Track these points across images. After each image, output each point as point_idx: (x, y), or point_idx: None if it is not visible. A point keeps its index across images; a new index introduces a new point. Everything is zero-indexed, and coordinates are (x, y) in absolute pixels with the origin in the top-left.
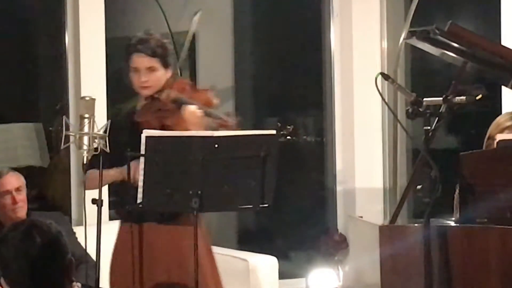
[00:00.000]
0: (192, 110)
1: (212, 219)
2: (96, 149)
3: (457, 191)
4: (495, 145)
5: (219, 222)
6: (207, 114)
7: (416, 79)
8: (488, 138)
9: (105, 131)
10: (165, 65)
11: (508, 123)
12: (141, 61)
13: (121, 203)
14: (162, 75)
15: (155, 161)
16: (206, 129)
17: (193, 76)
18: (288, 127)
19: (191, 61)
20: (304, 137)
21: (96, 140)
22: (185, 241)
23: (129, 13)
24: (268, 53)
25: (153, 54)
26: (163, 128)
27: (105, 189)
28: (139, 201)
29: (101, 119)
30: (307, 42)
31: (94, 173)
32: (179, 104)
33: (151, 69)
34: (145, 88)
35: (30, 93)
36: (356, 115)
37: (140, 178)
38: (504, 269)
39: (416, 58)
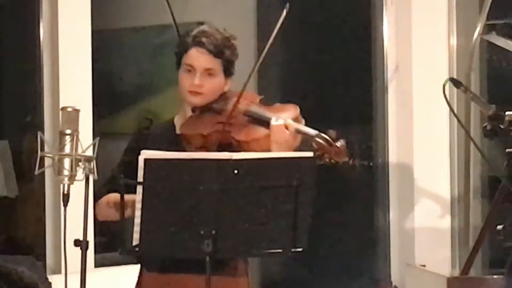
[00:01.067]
0: (280, 123)
1: None
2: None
3: None
4: None
5: None
6: (301, 132)
7: (495, 87)
8: None
9: (93, 152)
10: (227, 72)
11: None
12: (201, 58)
13: (113, 245)
14: (220, 84)
15: (157, 192)
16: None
17: None
18: None
19: None
20: (347, 160)
21: (81, 164)
22: None
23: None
24: (301, 51)
25: (219, 54)
26: (228, 146)
27: (90, 227)
28: (135, 242)
29: (86, 136)
30: (352, 37)
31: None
32: (255, 118)
33: (210, 72)
34: (197, 95)
35: None
36: (416, 132)
37: (137, 214)
38: None
39: (494, 60)
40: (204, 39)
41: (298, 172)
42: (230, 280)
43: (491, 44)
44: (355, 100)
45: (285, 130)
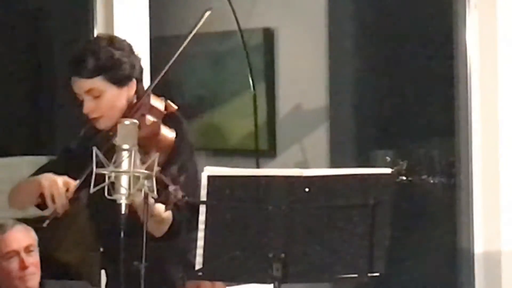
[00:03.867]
0: None
1: None
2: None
3: None
4: None
5: None
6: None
7: None
8: None
9: (151, 168)
10: (117, 81)
11: None
12: (79, 85)
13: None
14: (114, 96)
15: (221, 211)
16: None
17: (270, 92)
18: (402, 163)
19: (268, 71)
20: (426, 177)
21: (140, 181)
22: None
23: (184, 5)
24: (376, 60)
25: (93, 73)
26: None
27: None
28: (198, 266)
29: None
30: (431, 45)
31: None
32: None
33: (93, 94)
34: (96, 120)
35: (42, 115)
36: (502, 147)
37: (200, 235)
38: None
39: None
40: (73, 66)
41: (375, 190)
42: None
43: None
44: (436, 112)
45: None
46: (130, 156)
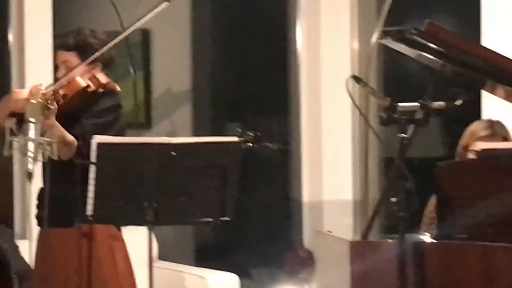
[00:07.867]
0: None
1: (167, 233)
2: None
3: (430, 204)
4: (471, 155)
5: (175, 236)
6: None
7: (390, 83)
8: (463, 148)
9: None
10: (84, 60)
11: (484, 133)
12: (57, 56)
13: (67, 215)
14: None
15: (107, 170)
16: None
17: (147, 78)
18: (250, 133)
19: (145, 61)
20: (267, 144)
21: (41, 147)
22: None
23: (80, 8)
24: (229, 53)
25: (69, 48)
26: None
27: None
28: (88, 213)
29: None
30: (271, 41)
31: None
32: None
33: (67, 64)
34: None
35: None
36: (324, 121)
37: (91, 189)
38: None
39: (389, 60)
40: (57, 41)
41: (227, 154)
42: (109, 244)
43: (386, 48)
44: (274, 94)
45: None
46: (35, 127)
